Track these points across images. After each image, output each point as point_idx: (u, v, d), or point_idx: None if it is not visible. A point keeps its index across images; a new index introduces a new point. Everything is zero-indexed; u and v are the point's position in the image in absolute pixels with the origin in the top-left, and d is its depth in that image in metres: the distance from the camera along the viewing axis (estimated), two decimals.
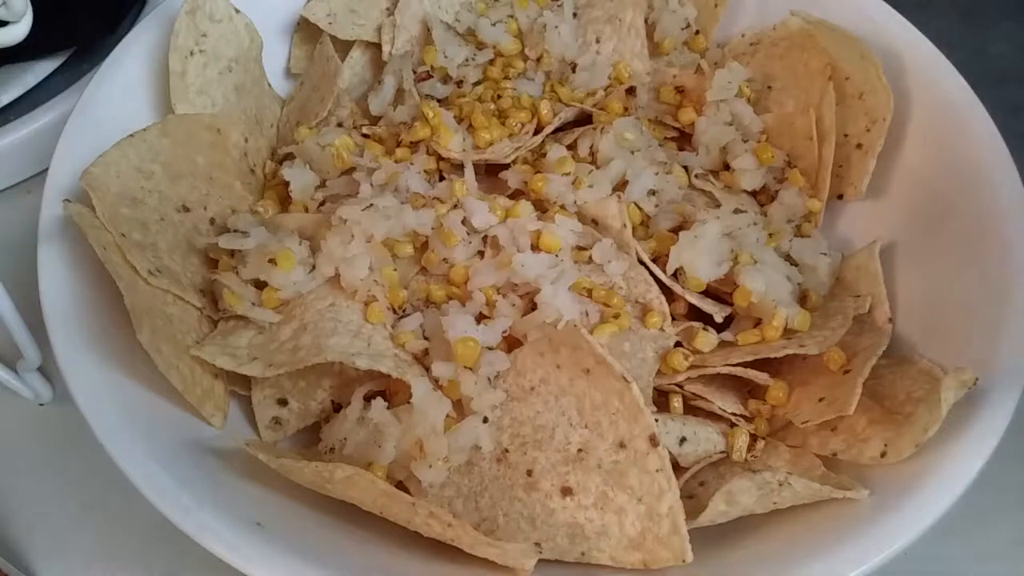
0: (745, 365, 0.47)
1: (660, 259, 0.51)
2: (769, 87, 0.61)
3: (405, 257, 0.50)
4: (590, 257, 0.50)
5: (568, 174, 0.54)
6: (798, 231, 0.54)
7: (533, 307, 0.47)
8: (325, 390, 0.47)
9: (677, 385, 0.48)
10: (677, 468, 0.44)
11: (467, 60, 0.60)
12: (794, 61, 0.59)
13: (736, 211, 0.53)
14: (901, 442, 0.41)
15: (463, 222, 0.50)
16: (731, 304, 0.50)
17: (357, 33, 0.62)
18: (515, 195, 0.54)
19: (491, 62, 0.61)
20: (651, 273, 0.50)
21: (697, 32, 0.64)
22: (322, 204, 0.54)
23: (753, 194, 0.56)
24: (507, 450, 0.43)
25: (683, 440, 0.45)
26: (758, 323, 0.49)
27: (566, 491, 0.41)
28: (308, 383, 0.47)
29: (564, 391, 0.43)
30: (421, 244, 0.51)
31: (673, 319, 0.49)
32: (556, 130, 0.58)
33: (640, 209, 0.54)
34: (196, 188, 0.52)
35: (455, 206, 0.51)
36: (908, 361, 0.46)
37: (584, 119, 0.59)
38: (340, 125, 0.59)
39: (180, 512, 0.37)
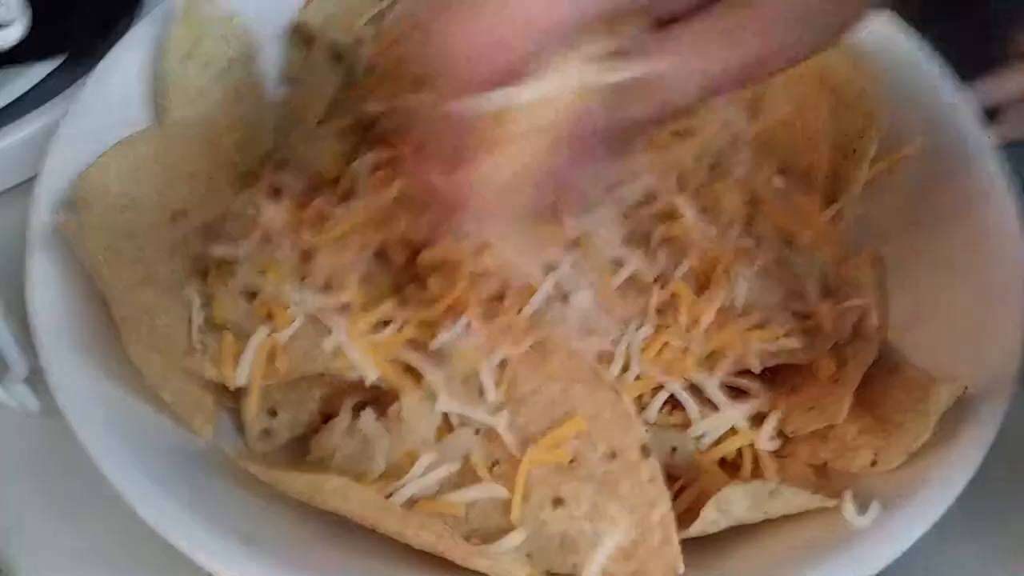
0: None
1: None
2: (764, 90, 0.60)
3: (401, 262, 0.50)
4: None
5: None
6: (791, 236, 0.53)
7: None
8: (315, 400, 0.47)
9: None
10: (668, 477, 0.44)
11: None
12: None
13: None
14: (891, 451, 0.41)
15: None
16: None
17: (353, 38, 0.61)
18: None
19: None
20: None
21: None
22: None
23: None
24: (497, 461, 0.43)
25: (674, 449, 0.45)
26: None
27: (557, 501, 0.41)
28: (299, 394, 0.47)
29: (555, 402, 0.43)
30: None
31: None
32: None
33: None
34: (189, 194, 0.52)
35: None
36: (899, 369, 0.46)
37: None
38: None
39: (171, 525, 0.37)
